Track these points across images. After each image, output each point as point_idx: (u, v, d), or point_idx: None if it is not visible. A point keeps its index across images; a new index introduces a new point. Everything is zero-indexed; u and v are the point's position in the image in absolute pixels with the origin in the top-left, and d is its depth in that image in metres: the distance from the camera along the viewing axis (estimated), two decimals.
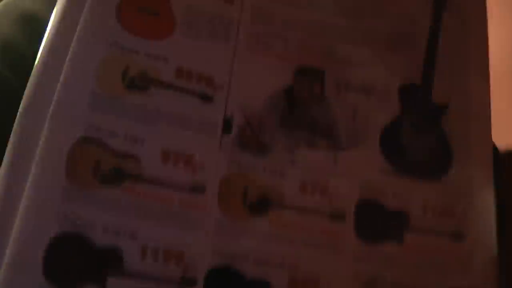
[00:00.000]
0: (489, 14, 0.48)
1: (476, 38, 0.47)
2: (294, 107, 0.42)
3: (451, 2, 0.47)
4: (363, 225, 0.41)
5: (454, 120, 0.45)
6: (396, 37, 0.46)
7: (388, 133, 0.43)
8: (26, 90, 0.39)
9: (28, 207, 0.36)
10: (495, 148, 0.53)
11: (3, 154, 0.39)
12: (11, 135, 0.38)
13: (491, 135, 0.45)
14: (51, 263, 0.35)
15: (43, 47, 0.40)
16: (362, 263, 0.40)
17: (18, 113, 0.38)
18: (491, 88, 0.46)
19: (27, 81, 0.46)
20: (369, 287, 0.39)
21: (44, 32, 0.52)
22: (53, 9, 0.54)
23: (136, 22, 0.41)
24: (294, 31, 0.44)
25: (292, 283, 0.38)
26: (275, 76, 0.42)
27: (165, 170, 0.38)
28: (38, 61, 0.40)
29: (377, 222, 0.41)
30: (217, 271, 0.37)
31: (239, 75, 0.42)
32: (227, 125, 0.40)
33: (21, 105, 0.38)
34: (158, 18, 0.42)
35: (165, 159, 0.39)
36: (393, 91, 0.44)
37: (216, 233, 0.38)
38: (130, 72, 0.40)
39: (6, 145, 0.39)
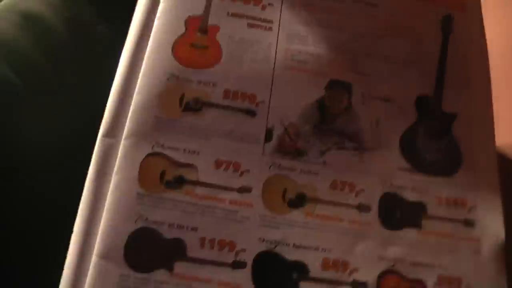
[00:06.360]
0: (486, 14, 0.55)
1: (477, 55, 0.54)
2: (325, 116, 0.50)
3: (456, 25, 0.54)
4: (386, 215, 0.48)
5: (462, 126, 0.52)
6: (411, 55, 0.53)
7: (407, 137, 0.50)
8: (104, 118, 0.48)
9: (110, 209, 0.45)
10: None
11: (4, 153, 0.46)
12: (95, 152, 0.47)
13: (494, 139, 0.52)
14: (130, 253, 0.44)
15: (115, 83, 0.49)
16: (384, 247, 0.47)
17: (99, 136, 0.47)
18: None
19: (31, 81, 0.53)
20: (389, 267, 0.47)
21: (48, 31, 0.58)
22: (53, 7, 0.60)
23: (188, 56, 0.50)
24: (325, 49, 0.52)
25: (326, 265, 0.46)
26: (309, 90, 0.50)
27: (217, 175, 0.47)
28: (112, 95, 0.49)
29: (398, 212, 0.48)
30: (263, 256, 0.45)
31: (277, 91, 0.50)
32: (268, 135, 0.49)
33: (100, 131, 0.48)
34: (206, 51, 0.50)
35: (218, 167, 0.47)
36: (409, 101, 0.52)
37: (262, 225, 0.46)
38: (185, 98, 0.49)
39: (8, 144, 0.46)
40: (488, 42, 0.54)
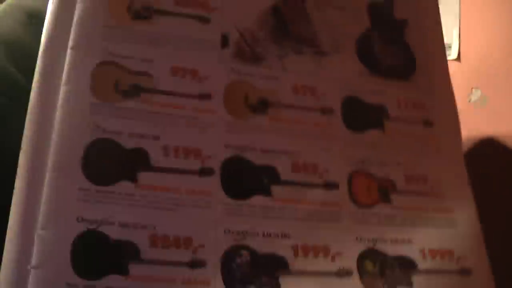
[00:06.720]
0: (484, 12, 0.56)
1: None
2: (281, 22, 0.48)
3: None
4: (350, 117, 0.47)
5: (413, 33, 0.52)
6: None
7: (362, 42, 0.50)
8: (45, 29, 0.44)
9: (62, 121, 0.41)
10: None
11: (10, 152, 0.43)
12: (38, 65, 0.43)
13: (444, 45, 0.53)
14: (89, 166, 0.40)
15: None
16: (351, 148, 0.46)
17: (42, 46, 0.44)
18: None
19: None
20: (358, 168, 0.46)
21: None
22: None
23: None
24: None
25: (295, 167, 0.44)
26: None
27: (175, 83, 0.44)
28: (51, 3, 0.45)
29: (361, 114, 0.48)
30: (230, 161, 0.43)
31: None
32: (224, 41, 0.46)
33: (42, 39, 0.44)
34: None
35: (174, 74, 0.44)
36: (361, 8, 0.51)
37: (226, 131, 0.44)
38: (135, 5, 0.45)
39: (13, 139, 0.43)
40: (488, 39, 0.55)
